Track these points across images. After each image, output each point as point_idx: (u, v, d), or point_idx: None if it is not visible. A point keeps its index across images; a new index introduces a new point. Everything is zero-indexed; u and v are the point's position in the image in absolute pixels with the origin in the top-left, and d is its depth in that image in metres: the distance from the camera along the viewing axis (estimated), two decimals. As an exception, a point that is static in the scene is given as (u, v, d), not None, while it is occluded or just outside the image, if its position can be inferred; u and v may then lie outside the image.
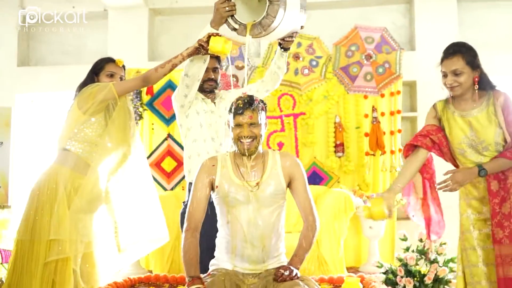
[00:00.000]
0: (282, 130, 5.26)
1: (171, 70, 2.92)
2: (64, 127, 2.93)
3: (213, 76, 3.23)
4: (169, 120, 5.16)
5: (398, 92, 5.29)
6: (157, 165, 5.16)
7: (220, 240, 2.58)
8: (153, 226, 3.13)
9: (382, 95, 5.27)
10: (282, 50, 3.15)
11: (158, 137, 5.20)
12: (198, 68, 2.97)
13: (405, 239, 3.79)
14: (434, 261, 3.56)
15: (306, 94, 5.28)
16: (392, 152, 5.23)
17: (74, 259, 2.79)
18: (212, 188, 2.53)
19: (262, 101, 2.48)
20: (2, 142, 4.61)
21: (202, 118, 3.14)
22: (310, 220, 2.51)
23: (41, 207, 2.76)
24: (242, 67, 5.32)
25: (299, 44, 5.34)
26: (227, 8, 2.71)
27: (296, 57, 5.32)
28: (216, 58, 3.24)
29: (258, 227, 2.44)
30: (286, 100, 5.28)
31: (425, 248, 3.61)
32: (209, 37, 2.80)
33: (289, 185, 2.53)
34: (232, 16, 2.75)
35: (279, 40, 3.07)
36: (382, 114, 5.27)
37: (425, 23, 5.80)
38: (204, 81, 3.17)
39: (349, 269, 4.86)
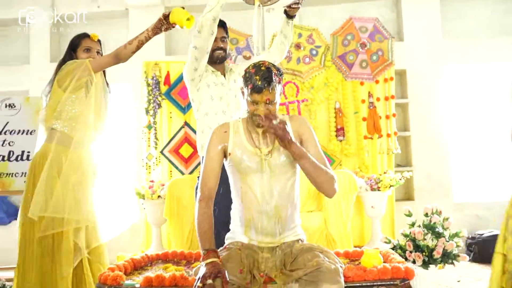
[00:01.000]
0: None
1: (138, 46, 2.70)
2: (48, 106, 2.74)
3: (222, 45, 2.80)
4: (185, 108, 4.81)
5: (391, 79, 4.87)
6: (175, 151, 4.79)
7: (235, 212, 2.17)
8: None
9: (377, 82, 4.85)
10: (288, 18, 2.75)
11: (175, 125, 4.85)
12: (206, 39, 2.56)
13: (410, 215, 3.33)
14: (441, 235, 3.10)
15: (308, 81, 4.84)
16: (388, 135, 4.81)
17: (75, 232, 2.57)
18: (225, 155, 2.11)
19: (279, 71, 2.03)
20: (34, 130, 4.22)
21: (213, 91, 2.74)
22: None
23: (36, 186, 2.54)
24: (249, 57, 4.87)
25: (299, 35, 4.90)
26: None
27: (298, 46, 4.87)
28: (223, 27, 2.82)
29: (272, 197, 2.03)
30: (290, 88, 4.84)
31: (432, 222, 3.14)
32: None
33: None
34: None
35: (285, 7, 2.67)
36: (378, 99, 4.85)
37: (412, 16, 5.48)
38: (213, 50, 2.75)
39: (354, 248, 4.43)
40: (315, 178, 1.97)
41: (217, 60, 2.79)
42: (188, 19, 2.49)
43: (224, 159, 2.12)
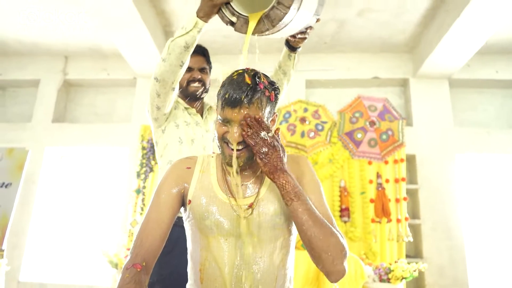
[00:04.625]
0: (286, 192, 3.84)
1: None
2: None
3: (199, 76, 1.84)
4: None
5: (402, 160, 3.93)
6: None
7: None
8: None
9: (386, 162, 3.92)
10: (290, 50, 1.77)
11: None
12: (172, 71, 1.58)
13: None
14: None
15: (311, 156, 3.94)
16: (399, 220, 3.77)
17: None
18: (183, 203, 1.16)
19: (272, 85, 1.14)
20: (11, 183, 3.41)
21: (182, 132, 1.75)
22: None
23: None
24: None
25: (305, 109, 4.11)
26: None
27: (303, 120, 4.05)
28: (204, 55, 1.88)
29: (250, 277, 1.06)
30: (291, 162, 3.93)
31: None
32: None
33: None
34: (227, 3, 1.40)
35: (288, 37, 1.71)
36: (387, 181, 3.88)
37: (421, 103, 4.65)
38: (188, 82, 1.82)
39: None
40: (312, 239, 1.00)
41: (192, 95, 1.85)
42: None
43: (183, 208, 1.18)
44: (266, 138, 1.05)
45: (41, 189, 4.53)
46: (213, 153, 1.27)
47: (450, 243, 4.13)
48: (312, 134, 3.99)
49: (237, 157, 1.09)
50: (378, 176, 3.90)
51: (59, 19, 3.98)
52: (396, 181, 3.88)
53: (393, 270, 3.21)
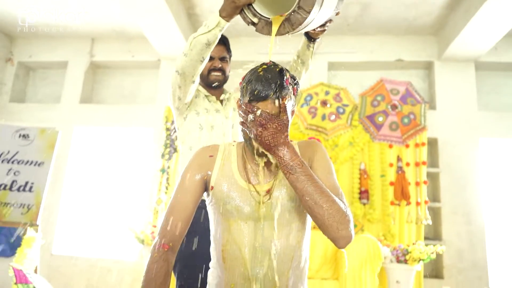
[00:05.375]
0: (307, 174, 3.91)
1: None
2: None
3: (220, 66, 1.90)
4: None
5: (423, 144, 3.93)
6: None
7: (212, 274, 1.25)
8: None
9: (407, 146, 3.93)
10: (309, 41, 1.78)
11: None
12: (193, 66, 1.64)
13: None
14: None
15: (332, 139, 3.98)
16: (418, 203, 3.80)
17: None
18: (206, 189, 1.23)
19: (294, 79, 1.19)
20: (43, 162, 3.54)
21: (203, 119, 1.82)
22: None
23: None
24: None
25: (327, 92, 4.13)
26: None
27: (324, 103, 4.08)
28: (225, 45, 1.93)
29: (267, 257, 1.13)
30: (312, 144, 3.98)
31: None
32: None
33: None
34: (250, 4, 1.42)
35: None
36: (407, 164, 3.90)
37: (446, 86, 4.56)
38: (209, 71, 1.89)
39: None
40: (313, 207, 1.04)
41: (212, 83, 1.92)
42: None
43: (205, 193, 1.26)
44: (252, 119, 1.08)
45: (70, 167, 4.74)
46: (234, 141, 1.34)
47: (470, 227, 4.14)
48: (333, 117, 4.02)
49: (260, 153, 1.15)
50: (399, 159, 3.91)
51: (86, 2, 4.08)
52: (417, 164, 3.89)
53: (410, 252, 3.27)
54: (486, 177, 4.38)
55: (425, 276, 4.06)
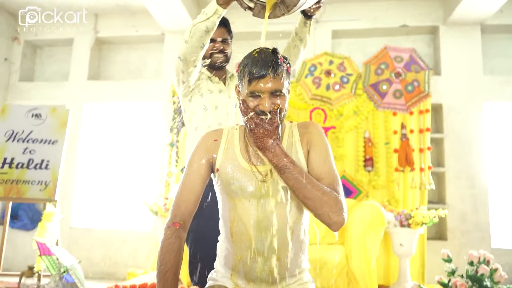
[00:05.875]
0: (312, 144, 4.00)
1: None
2: None
3: (221, 47, 1.97)
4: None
5: (427, 111, 3.98)
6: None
7: (220, 247, 1.37)
8: None
9: (411, 113, 3.98)
10: (306, 17, 1.84)
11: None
12: (194, 52, 1.73)
13: (449, 260, 2.41)
14: (491, 290, 2.17)
15: (337, 109, 4.04)
16: (422, 169, 3.89)
17: None
18: (212, 171, 1.34)
19: (286, 59, 1.28)
20: (57, 140, 3.69)
21: (207, 100, 1.91)
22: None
23: None
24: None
25: (330, 62, 4.15)
26: None
27: (328, 73, 4.11)
28: (226, 27, 1.99)
29: (269, 231, 1.24)
30: (317, 114, 4.05)
31: (479, 274, 2.21)
32: None
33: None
34: None
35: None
36: (411, 131, 3.97)
37: (451, 51, 4.54)
38: (211, 53, 1.96)
39: (379, 287, 3.50)
40: (305, 201, 1.17)
41: (215, 65, 1.99)
42: None
43: (212, 174, 1.36)
44: (245, 121, 1.21)
45: (83, 144, 4.89)
46: (237, 125, 1.43)
47: (473, 191, 4.24)
48: (337, 86, 4.07)
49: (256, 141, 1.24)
50: (403, 126, 3.98)
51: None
52: (421, 131, 3.96)
53: (413, 217, 3.40)
54: (490, 141, 4.43)
55: (429, 238, 4.21)
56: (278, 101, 1.22)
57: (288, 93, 1.30)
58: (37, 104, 4.78)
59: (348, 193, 3.91)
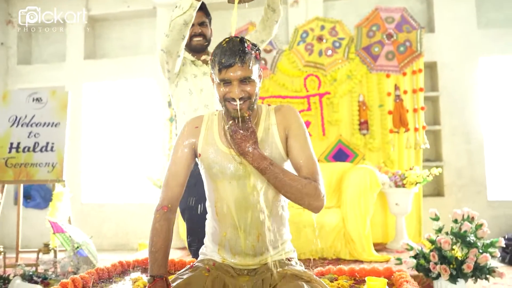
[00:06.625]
0: (309, 109, 4.08)
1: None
2: None
3: (200, 30, 2.06)
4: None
5: (420, 70, 3.99)
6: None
7: (208, 225, 1.50)
8: None
9: (404, 74, 4.00)
10: None
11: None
12: (175, 44, 1.86)
13: (436, 219, 2.53)
14: (473, 245, 2.30)
15: (330, 74, 4.08)
16: (416, 129, 3.96)
17: None
18: (196, 155, 1.44)
19: (255, 46, 1.35)
20: (59, 122, 3.81)
21: (192, 84, 2.00)
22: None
23: None
24: (270, 51, 4.18)
25: (322, 27, 4.15)
26: None
27: (320, 39, 4.12)
28: (203, 10, 2.06)
29: (249, 209, 1.36)
30: (311, 81, 4.10)
31: (462, 231, 2.34)
32: None
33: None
34: None
35: None
36: (405, 92, 4.01)
37: (444, 7, 4.50)
38: (190, 37, 2.04)
39: (377, 245, 3.69)
40: (286, 195, 1.31)
41: (195, 48, 2.08)
42: None
43: (197, 159, 1.46)
44: (226, 129, 1.31)
45: (85, 123, 5.01)
46: (216, 110, 1.52)
47: (469, 146, 4.32)
48: (329, 52, 4.08)
49: (241, 109, 1.34)
50: (396, 88, 4.02)
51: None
52: (414, 91, 4.00)
53: (407, 177, 3.51)
54: (485, 96, 4.46)
55: (427, 195, 4.34)
56: (248, 88, 1.31)
57: (260, 78, 1.39)
58: (37, 86, 4.90)
59: (345, 157, 4.02)
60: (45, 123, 3.82)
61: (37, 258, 3.45)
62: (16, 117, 3.80)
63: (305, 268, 1.42)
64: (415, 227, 3.88)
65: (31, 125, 3.80)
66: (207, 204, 1.49)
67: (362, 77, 4.05)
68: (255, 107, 1.40)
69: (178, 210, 2.13)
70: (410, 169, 3.66)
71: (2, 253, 3.44)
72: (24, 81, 5.14)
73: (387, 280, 1.38)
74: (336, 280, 1.66)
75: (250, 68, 1.30)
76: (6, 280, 2.71)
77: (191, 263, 1.45)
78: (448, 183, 4.36)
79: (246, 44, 1.30)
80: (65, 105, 3.91)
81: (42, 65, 5.17)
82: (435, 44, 4.42)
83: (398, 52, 3.99)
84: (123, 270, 1.88)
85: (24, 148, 3.74)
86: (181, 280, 1.30)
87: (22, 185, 3.80)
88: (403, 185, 3.54)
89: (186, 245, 2.02)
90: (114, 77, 5.00)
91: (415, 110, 3.98)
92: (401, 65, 3.99)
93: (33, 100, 3.87)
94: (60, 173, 3.75)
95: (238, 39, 1.32)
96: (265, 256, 1.41)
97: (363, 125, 4.01)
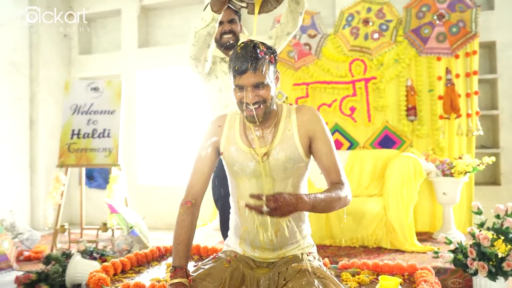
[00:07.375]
0: (354, 95, 4.02)
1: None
2: None
3: (230, 28, 2.12)
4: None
5: (474, 52, 3.76)
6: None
7: (231, 218, 1.60)
8: None
9: (457, 56, 3.79)
10: None
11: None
12: (202, 51, 1.95)
13: (479, 213, 2.44)
14: (516, 242, 2.21)
15: (376, 58, 3.97)
16: (469, 115, 3.77)
17: None
18: (219, 154, 1.53)
19: (270, 49, 1.39)
20: (115, 110, 4.08)
21: (221, 82, 2.08)
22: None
23: None
24: (315, 36, 4.13)
25: (368, 9, 4.02)
26: None
27: (366, 22, 4.00)
28: (232, 9, 2.09)
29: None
30: (357, 65, 4.01)
31: (504, 227, 2.25)
32: None
33: (310, 147, 1.46)
34: None
35: None
36: (457, 76, 3.80)
37: (506, -19, 4.13)
38: (221, 34, 2.11)
39: (423, 234, 3.64)
40: (330, 211, 1.41)
41: (225, 45, 2.14)
42: None
43: (221, 157, 1.55)
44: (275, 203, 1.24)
45: (140, 110, 5.29)
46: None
47: (529, 132, 4.04)
48: (376, 35, 3.96)
49: (256, 115, 1.40)
50: (448, 71, 3.83)
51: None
52: (467, 75, 3.79)
53: (455, 166, 3.38)
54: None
55: (481, 184, 4.14)
56: (262, 92, 1.37)
57: (277, 80, 1.44)
58: (97, 75, 5.24)
59: (392, 143, 3.93)
60: (102, 111, 4.11)
61: (97, 235, 3.76)
62: (77, 106, 4.11)
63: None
64: (465, 217, 3.74)
65: (90, 113, 4.10)
66: (230, 199, 1.58)
67: (410, 60, 3.90)
68: (274, 108, 1.45)
69: (212, 200, 2.27)
70: (460, 157, 3.51)
71: (67, 230, 3.79)
72: (85, 70, 5.50)
73: (400, 280, 1.40)
74: (358, 274, 1.69)
75: (263, 73, 1.35)
76: (68, 256, 3.00)
77: (215, 254, 1.56)
78: (505, 171, 4.13)
79: (259, 50, 1.35)
80: (119, 94, 4.16)
81: (101, 55, 5.49)
82: (495, 22, 4.12)
83: (450, 34, 3.78)
84: (160, 254, 2.05)
85: (84, 134, 4.05)
86: (202, 270, 1.41)
87: (84, 168, 4.14)
88: (451, 174, 3.42)
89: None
90: (165, 64, 5.20)
91: (468, 95, 3.78)
92: (453, 47, 3.78)
93: (91, 89, 4.16)
94: (116, 157, 4.02)
95: (252, 45, 1.36)
96: (284, 250, 1.48)
97: (411, 111, 3.88)
